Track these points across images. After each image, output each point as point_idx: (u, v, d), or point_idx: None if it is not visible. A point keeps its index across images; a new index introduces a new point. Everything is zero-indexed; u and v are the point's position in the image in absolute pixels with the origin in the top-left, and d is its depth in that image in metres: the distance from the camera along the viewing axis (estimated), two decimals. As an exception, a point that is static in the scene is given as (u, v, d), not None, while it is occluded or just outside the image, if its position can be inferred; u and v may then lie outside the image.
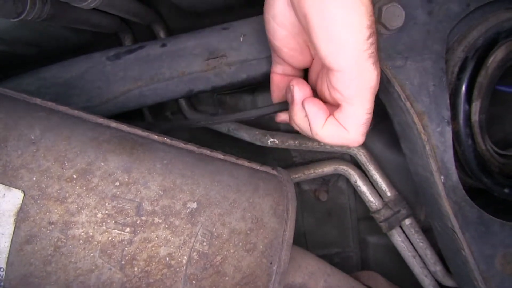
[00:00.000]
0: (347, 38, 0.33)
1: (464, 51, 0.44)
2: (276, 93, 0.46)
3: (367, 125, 0.38)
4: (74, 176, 0.32)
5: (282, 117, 0.48)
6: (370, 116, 0.38)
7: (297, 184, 0.67)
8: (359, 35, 0.33)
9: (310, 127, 0.39)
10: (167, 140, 0.39)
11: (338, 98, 0.37)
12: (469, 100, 0.44)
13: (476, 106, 0.44)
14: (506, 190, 0.47)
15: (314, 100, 0.38)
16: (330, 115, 0.38)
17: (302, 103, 0.39)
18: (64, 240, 0.31)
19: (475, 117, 0.44)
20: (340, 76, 0.35)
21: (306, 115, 0.39)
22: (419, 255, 0.61)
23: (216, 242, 0.34)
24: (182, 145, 0.39)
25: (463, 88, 0.44)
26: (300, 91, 0.39)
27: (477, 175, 0.46)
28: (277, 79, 0.46)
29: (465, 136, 0.44)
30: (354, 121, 0.37)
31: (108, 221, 0.32)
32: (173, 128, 0.57)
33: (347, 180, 0.64)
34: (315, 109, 0.38)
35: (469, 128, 0.44)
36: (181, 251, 0.33)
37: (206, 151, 0.40)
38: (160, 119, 0.69)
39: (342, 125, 0.38)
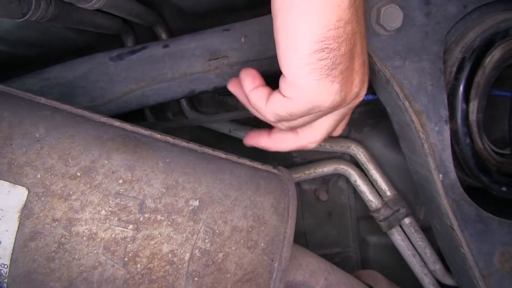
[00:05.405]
0: (292, 47, 0.32)
1: (461, 51, 0.45)
2: None
3: (286, 121, 0.38)
4: (78, 174, 0.33)
5: None
6: (294, 120, 0.38)
7: (298, 184, 0.67)
8: (304, 47, 0.32)
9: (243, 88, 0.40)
10: (170, 139, 0.39)
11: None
12: (466, 99, 0.45)
13: (473, 105, 0.45)
14: (504, 188, 0.47)
15: (248, 69, 0.40)
16: (263, 86, 0.39)
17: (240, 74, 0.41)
18: (68, 237, 0.31)
19: (472, 116, 0.45)
20: (284, 80, 0.35)
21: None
22: (419, 254, 0.62)
23: (218, 240, 0.35)
24: (184, 144, 0.40)
25: (461, 88, 0.45)
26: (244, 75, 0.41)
27: (475, 174, 0.47)
28: None
29: (463, 135, 0.45)
30: (274, 108, 0.37)
31: (112, 218, 0.32)
32: (174, 127, 0.58)
33: (347, 180, 0.64)
34: (245, 75, 0.40)
35: (467, 127, 0.45)
36: (183, 248, 0.34)
37: (208, 150, 0.40)
38: (161, 120, 0.69)
39: (266, 101, 0.38)
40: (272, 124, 0.42)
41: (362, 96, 0.39)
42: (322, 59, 0.32)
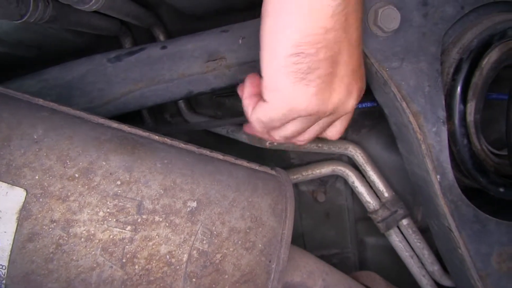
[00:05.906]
0: (271, 49, 0.34)
1: (459, 52, 0.45)
2: None
3: (269, 128, 0.40)
4: (76, 175, 0.33)
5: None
6: (276, 125, 0.39)
7: (295, 185, 0.67)
8: (281, 51, 0.33)
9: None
10: (168, 140, 0.39)
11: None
12: (464, 100, 0.45)
13: (471, 106, 0.45)
14: (501, 189, 0.47)
15: (253, 76, 0.42)
16: (257, 95, 0.41)
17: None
18: (66, 238, 0.31)
19: (470, 117, 0.45)
20: (263, 84, 0.37)
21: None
22: (417, 255, 0.62)
23: (216, 241, 0.35)
24: (182, 145, 0.40)
25: (458, 89, 0.45)
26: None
27: (472, 175, 0.47)
28: None
29: (460, 136, 0.45)
30: (258, 114, 0.39)
31: (110, 219, 0.32)
32: (172, 131, 0.58)
33: (345, 181, 0.64)
34: (248, 81, 0.42)
35: (464, 128, 0.45)
36: (181, 249, 0.34)
37: (206, 151, 0.40)
38: (159, 121, 0.70)
39: (253, 108, 0.40)
40: (262, 135, 0.44)
41: (350, 104, 0.39)
42: (298, 63, 0.33)
